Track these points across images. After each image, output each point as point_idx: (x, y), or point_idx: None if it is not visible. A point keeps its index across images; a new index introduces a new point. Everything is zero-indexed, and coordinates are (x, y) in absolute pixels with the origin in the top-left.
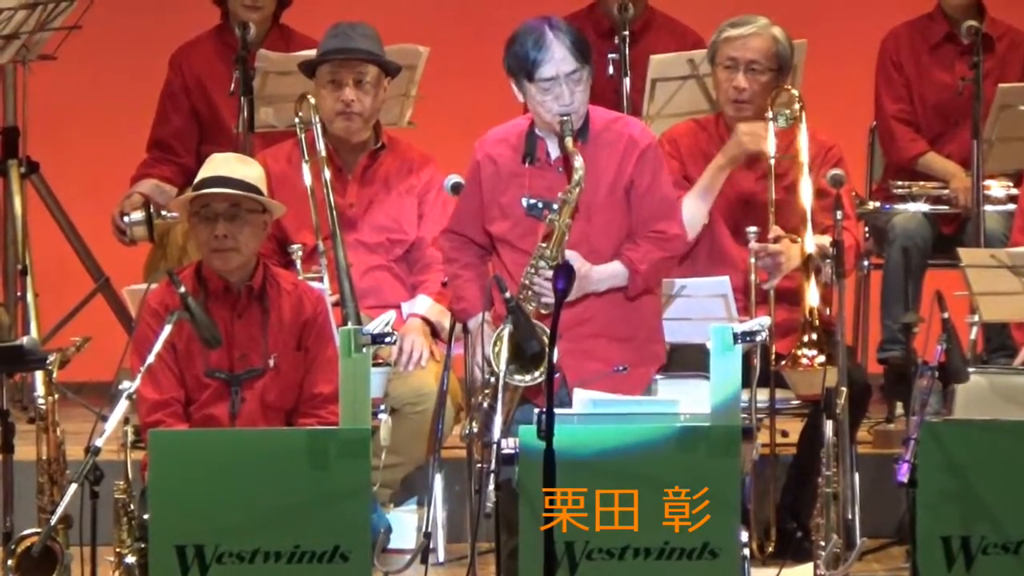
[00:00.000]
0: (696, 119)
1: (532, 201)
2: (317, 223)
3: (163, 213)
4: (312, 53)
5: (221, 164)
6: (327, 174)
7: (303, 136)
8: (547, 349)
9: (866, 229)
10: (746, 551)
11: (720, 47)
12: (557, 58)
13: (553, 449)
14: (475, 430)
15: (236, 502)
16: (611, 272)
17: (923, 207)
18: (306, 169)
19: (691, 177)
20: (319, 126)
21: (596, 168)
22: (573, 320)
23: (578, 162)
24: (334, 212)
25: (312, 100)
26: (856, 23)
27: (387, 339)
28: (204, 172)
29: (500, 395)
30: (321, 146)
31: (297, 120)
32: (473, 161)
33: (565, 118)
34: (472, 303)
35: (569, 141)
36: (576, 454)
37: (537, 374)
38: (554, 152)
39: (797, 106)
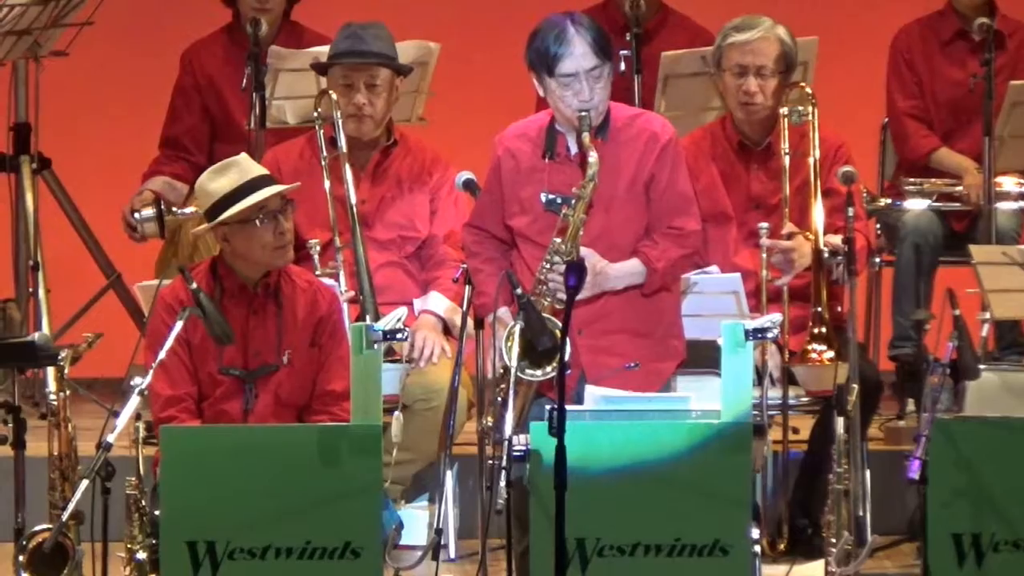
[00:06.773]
0: (703, 125)
1: (551, 196)
2: (335, 219)
3: (174, 210)
4: (323, 50)
5: (246, 166)
6: (348, 171)
7: (321, 132)
8: (559, 345)
9: (878, 226)
10: (757, 548)
11: (726, 52)
12: (578, 54)
13: (564, 446)
14: (491, 423)
15: (248, 498)
16: (629, 270)
17: (935, 204)
18: (324, 166)
19: (699, 183)
20: (340, 122)
21: (617, 163)
22: (592, 316)
23: (592, 157)
24: (354, 209)
25: (334, 96)
26: (867, 20)
27: (398, 335)
28: (230, 181)
29: (511, 391)
30: (343, 142)
31: (316, 115)
32: (493, 155)
33: (583, 114)
34: (492, 298)
35: (586, 136)
36: (588, 451)
37: (549, 368)
38: (574, 148)
39: (810, 107)
